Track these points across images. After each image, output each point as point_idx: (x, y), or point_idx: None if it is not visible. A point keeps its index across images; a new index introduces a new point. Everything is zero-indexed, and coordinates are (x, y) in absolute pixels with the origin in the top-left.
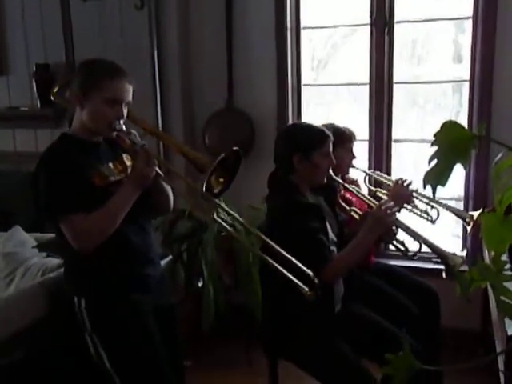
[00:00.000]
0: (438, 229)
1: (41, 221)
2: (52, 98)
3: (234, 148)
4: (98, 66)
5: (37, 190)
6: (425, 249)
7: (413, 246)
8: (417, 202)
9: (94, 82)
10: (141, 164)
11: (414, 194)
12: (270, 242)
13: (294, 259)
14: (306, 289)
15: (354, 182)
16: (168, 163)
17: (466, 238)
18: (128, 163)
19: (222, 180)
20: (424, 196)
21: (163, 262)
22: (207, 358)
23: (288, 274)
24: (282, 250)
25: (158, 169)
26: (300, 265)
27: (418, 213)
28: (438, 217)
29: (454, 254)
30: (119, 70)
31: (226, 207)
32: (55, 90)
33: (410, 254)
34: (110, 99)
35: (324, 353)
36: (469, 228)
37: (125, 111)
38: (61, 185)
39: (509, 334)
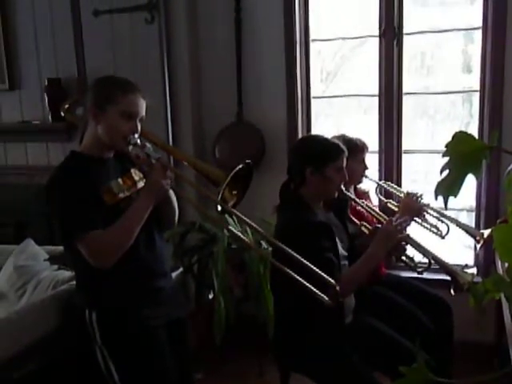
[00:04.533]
0: (450, 240)
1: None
2: (62, 113)
3: (247, 161)
4: (113, 82)
5: (51, 210)
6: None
7: (423, 259)
8: (427, 216)
9: (109, 96)
10: (156, 176)
11: (425, 208)
12: (289, 251)
13: (314, 267)
14: (326, 298)
15: (366, 193)
16: (181, 174)
17: (477, 250)
18: (136, 178)
19: (235, 192)
20: (435, 210)
21: (174, 274)
22: (219, 369)
23: (306, 284)
24: (301, 258)
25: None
26: (321, 273)
27: (428, 227)
28: (447, 232)
29: (464, 272)
30: (134, 86)
31: (241, 215)
32: (66, 107)
33: (419, 270)
34: (125, 113)
35: (336, 365)
36: (478, 246)
37: (139, 125)
38: (73, 207)
39: None
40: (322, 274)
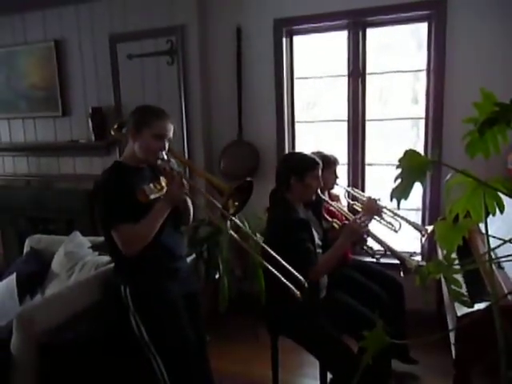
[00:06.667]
0: (402, 233)
1: (97, 227)
2: (112, 132)
3: (248, 179)
4: (149, 110)
5: (97, 205)
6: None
7: (381, 248)
8: (384, 215)
9: (145, 121)
10: (175, 187)
11: (382, 209)
12: (271, 252)
13: (288, 266)
14: (297, 292)
15: (337, 197)
16: (195, 184)
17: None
18: (163, 184)
19: (236, 203)
20: (390, 211)
21: (188, 259)
22: (223, 333)
23: (283, 279)
24: (279, 258)
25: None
26: (293, 271)
27: (385, 223)
28: (400, 228)
29: (411, 259)
30: (165, 113)
31: (238, 222)
32: (115, 127)
33: (377, 256)
34: (156, 135)
35: (313, 330)
36: (423, 238)
37: (167, 145)
38: (112, 205)
39: (458, 314)
40: (295, 272)
